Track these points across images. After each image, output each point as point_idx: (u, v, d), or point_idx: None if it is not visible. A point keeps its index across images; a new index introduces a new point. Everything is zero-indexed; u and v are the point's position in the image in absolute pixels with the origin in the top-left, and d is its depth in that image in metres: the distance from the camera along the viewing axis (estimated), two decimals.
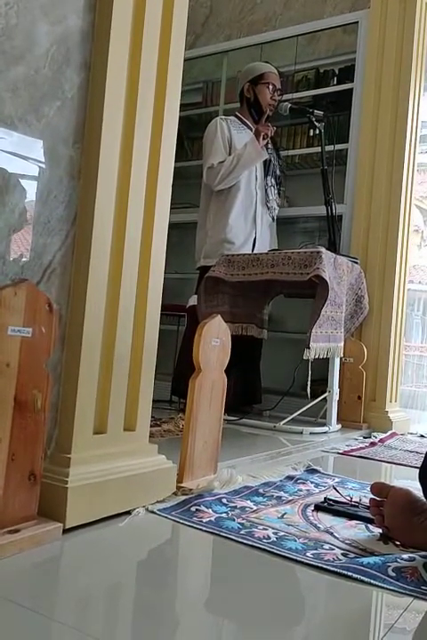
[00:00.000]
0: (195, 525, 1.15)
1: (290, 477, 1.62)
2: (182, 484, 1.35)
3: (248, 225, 2.89)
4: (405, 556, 1.03)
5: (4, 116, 1.02)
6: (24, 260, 1.07)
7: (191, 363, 1.42)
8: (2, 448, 0.93)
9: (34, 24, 1.05)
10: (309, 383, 2.34)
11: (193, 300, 2.77)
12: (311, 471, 1.73)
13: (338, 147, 3.05)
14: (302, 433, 2.42)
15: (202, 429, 1.43)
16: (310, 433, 2.44)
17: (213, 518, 1.20)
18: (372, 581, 0.95)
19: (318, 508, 1.34)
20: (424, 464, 1.15)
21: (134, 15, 1.20)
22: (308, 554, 1.04)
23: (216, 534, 1.12)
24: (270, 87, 2.92)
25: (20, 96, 1.04)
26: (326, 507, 1.34)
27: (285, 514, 1.28)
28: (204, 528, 1.14)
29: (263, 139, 2.79)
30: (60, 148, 1.12)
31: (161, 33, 1.27)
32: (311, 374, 2.35)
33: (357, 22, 3.17)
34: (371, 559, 1.02)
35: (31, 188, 1.08)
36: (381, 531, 1.19)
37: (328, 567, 0.99)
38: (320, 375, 2.71)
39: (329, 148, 2.95)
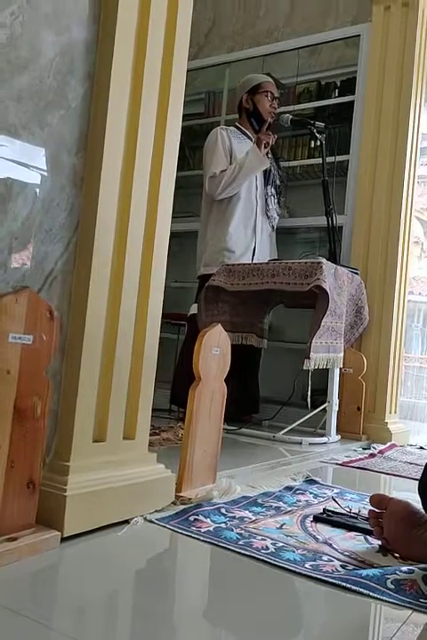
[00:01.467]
0: (193, 535, 1.15)
1: (289, 488, 1.62)
2: (181, 494, 1.35)
3: (248, 234, 2.90)
4: (404, 568, 1.03)
5: (8, 125, 1.03)
6: (25, 267, 1.08)
7: (191, 371, 1.42)
8: (1, 455, 0.93)
9: (38, 34, 1.06)
10: (309, 393, 2.34)
11: (194, 309, 2.77)
12: (310, 482, 1.73)
13: (339, 158, 3.07)
14: (301, 443, 2.42)
15: (201, 439, 1.43)
16: (310, 443, 2.43)
17: (211, 528, 1.19)
18: (371, 593, 0.94)
19: (316, 518, 1.34)
20: (424, 476, 1.15)
21: (138, 26, 1.22)
22: (306, 565, 1.04)
23: (214, 544, 1.12)
24: (269, 95, 2.95)
25: (24, 105, 1.05)
26: (325, 518, 1.34)
27: (283, 524, 1.27)
28: (202, 538, 1.14)
29: (265, 147, 2.81)
30: (63, 157, 1.13)
31: (164, 44, 1.28)
32: (311, 385, 2.35)
33: (358, 35, 3.20)
34: (370, 571, 1.02)
35: (34, 196, 1.08)
36: (380, 542, 1.18)
37: (327, 578, 0.99)
38: (320, 386, 2.71)
39: (330, 159, 2.97)
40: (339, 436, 2.68)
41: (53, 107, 1.10)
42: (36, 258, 1.09)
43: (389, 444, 2.75)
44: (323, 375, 2.62)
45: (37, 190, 1.09)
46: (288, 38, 3.51)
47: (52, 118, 1.10)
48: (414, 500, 1.16)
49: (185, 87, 1.35)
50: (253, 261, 2.83)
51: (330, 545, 1.16)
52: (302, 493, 1.58)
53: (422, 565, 1.04)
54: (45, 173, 1.10)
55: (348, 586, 0.96)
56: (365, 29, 3.17)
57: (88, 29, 1.16)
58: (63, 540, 1.02)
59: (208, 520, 1.24)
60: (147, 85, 1.23)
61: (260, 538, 1.16)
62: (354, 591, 0.95)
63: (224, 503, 1.37)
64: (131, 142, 1.21)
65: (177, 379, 2.84)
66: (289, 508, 1.41)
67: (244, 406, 2.87)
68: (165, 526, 1.18)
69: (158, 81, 1.27)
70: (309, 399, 2.34)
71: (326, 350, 2.41)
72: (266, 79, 3.00)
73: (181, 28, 1.32)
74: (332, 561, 1.08)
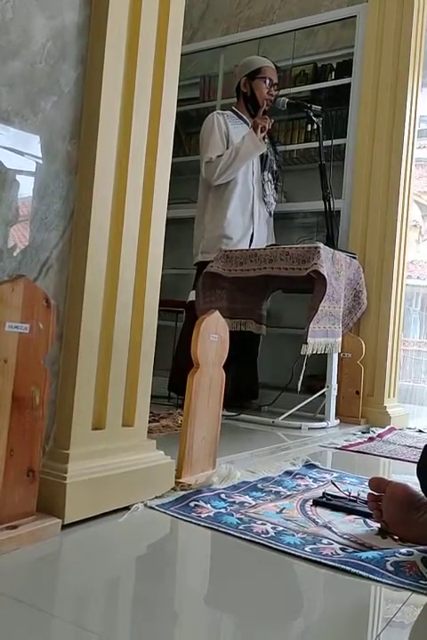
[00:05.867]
0: (193, 521, 1.16)
1: (288, 472, 1.62)
2: (181, 480, 1.35)
3: (246, 220, 2.88)
4: (403, 550, 1.04)
5: (1, 111, 1.01)
6: (21, 255, 1.07)
7: (189, 358, 1.42)
8: (0, 444, 0.93)
9: (30, 18, 1.05)
10: (301, 377, 2.34)
11: (192, 296, 2.76)
12: (310, 466, 1.74)
13: (336, 142, 3.05)
14: (300, 428, 2.43)
15: (200, 425, 1.43)
16: (309, 428, 2.44)
17: (211, 513, 1.20)
18: (370, 576, 0.95)
19: (316, 502, 1.34)
20: (422, 459, 1.15)
21: (131, 9, 1.20)
22: (306, 548, 1.05)
23: (215, 529, 1.12)
24: (267, 82, 2.91)
25: (16, 91, 1.03)
26: (325, 502, 1.34)
27: (283, 509, 1.28)
28: (202, 523, 1.14)
29: (261, 131, 2.79)
30: (57, 143, 1.11)
31: (158, 27, 1.27)
32: (310, 370, 2.35)
33: (355, 16, 3.16)
34: (369, 554, 1.02)
35: (28, 184, 1.07)
36: (379, 525, 1.19)
37: (327, 562, 0.99)
38: (319, 370, 2.71)
39: (327, 142, 2.94)
40: (338, 421, 2.69)
41: (46, 92, 1.08)
42: (32, 246, 1.08)
43: (388, 427, 2.76)
44: (322, 360, 2.62)
45: (32, 178, 1.08)
46: (284, 20, 3.47)
47: (46, 104, 1.09)
48: (413, 482, 1.17)
49: (179, 71, 1.34)
50: (251, 247, 2.82)
51: (330, 528, 1.17)
52: (302, 478, 1.59)
53: (421, 547, 1.05)
54: (40, 160, 1.09)
55: (348, 568, 0.97)
56: (361, 10, 3.13)
57: (80, 13, 1.14)
58: (64, 527, 1.03)
59: (208, 505, 1.24)
60: (140, 70, 1.22)
61: (260, 522, 1.17)
62: (354, 574, 0.96)
63: (224, 488, 1.38)
64: (125, 128, 1.19)
65: (175, 366, 2.84)
66: (289, 493, 1.42)
67: (241, 392, 2.87)
68: (165, 512, 1.19)
69: (152, 65, 1.26)
70: (299, 384, 2.35)
71: (324, 335, 2.41)
72: (266, 63, 2.94)
73: (175, 11, 1.30)
74: (331, 544, 1.08)
